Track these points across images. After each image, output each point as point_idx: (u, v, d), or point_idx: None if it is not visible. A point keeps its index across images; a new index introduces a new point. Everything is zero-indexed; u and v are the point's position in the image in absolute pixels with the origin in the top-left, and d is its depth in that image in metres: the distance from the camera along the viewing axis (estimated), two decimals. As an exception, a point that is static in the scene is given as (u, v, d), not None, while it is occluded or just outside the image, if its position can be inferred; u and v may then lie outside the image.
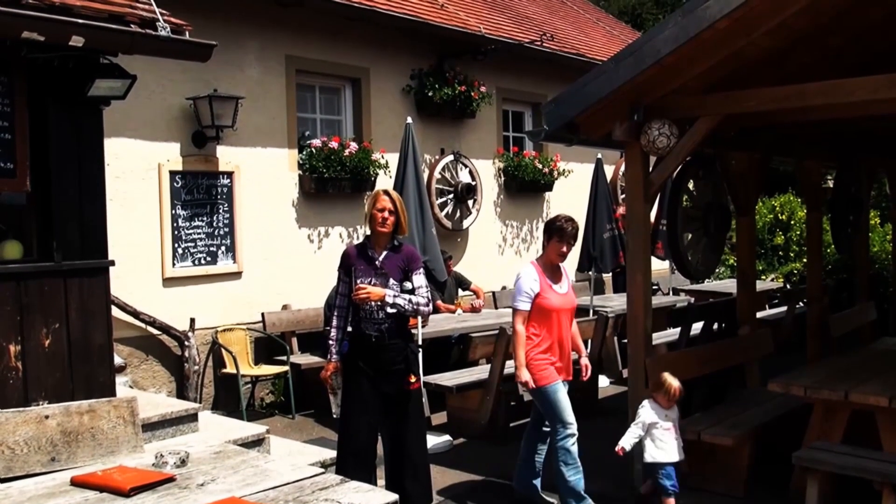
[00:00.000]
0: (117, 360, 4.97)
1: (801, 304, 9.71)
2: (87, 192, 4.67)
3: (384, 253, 4.77)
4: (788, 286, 12.34)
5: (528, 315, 4.99)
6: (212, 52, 4.77)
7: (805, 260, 10.57)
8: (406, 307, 4.69)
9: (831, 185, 10.31)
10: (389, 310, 4.67)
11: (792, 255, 13.49)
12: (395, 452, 4.80)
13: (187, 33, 4.66)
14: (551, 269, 5.16)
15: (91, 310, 4.65)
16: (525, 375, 4.99)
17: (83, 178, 4.66)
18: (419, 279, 4.79)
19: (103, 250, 4.75)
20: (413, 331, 6.93)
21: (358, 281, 4.71)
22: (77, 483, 3.26)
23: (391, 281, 4.70)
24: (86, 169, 4.67)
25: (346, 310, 4.85)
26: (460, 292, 9.05)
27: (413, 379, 4.76)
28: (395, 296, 4.67)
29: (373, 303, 4.65)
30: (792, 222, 13.64)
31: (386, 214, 4.71)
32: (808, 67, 5.64)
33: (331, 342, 4.92)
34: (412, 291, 4.74)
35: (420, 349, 4.98)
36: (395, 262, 4.75)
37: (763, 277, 12.77)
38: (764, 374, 6.49)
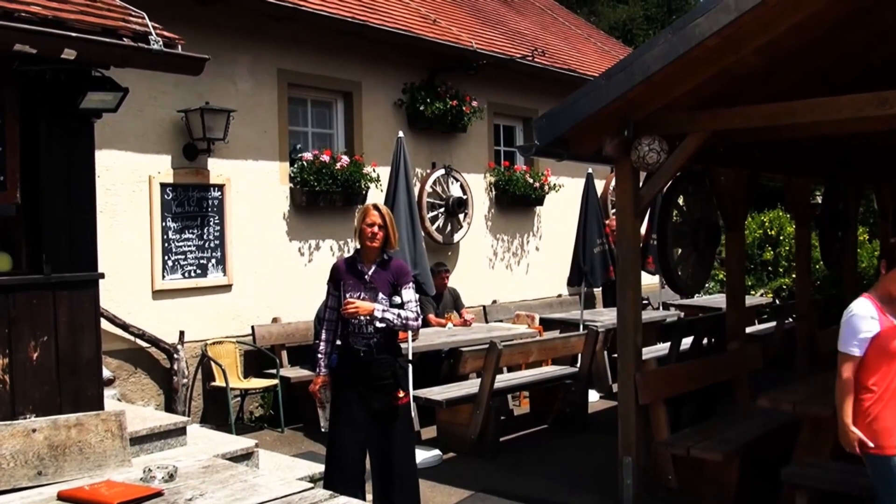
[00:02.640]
0: (106, 373, 4.95)
1: (790, 319, 9.75)
2: (77, 204, 4.67)
3: (373, 267, 4.77)
4: (778, 301, 12.40)
5: (860, 361, 4.00)
6: (204, 66, 4.78)
7: (794, 275, 10.63)
8: (395, 322, 4.68)
9: (820, 202, 10.38)
10: (378, 324, 4.66)
11: (781, 270, 13.56)
12: (383, 467, 4.77)
13: (180, 47, 4.67)
14: (892, 303, 4.01)
15: (80, 323, 4.63)
16: (854, 436, 3.96)
17: (73, 190, 4.65)
18: (409, 293, 4.77)
19: (93, 263, 4.74)
20: (403, 345, 6.94)
21: (347, 295, 4.71)
22: (64, 498, 3.23)
23: (380, 295, 4.70)
24: (76, 181, 4.67)
25: (335, 323, 4.85)
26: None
27: (401, 394, 4.74)
28: (383, 310, 4.66)
29: (361, 317, 4.65)
30: (781, 238, 13.71)
31: (375, 229, 4.71)
32: (797, 85, 5.69)
33: (319, 356, 4.91)
34: (401, 306, 4.73)
35: (410, 363, 4.95)
36: (384, 277, 4.74)
37: (752, 293, 12.82)
38: (753, 389, 6.51)
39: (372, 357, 4.69)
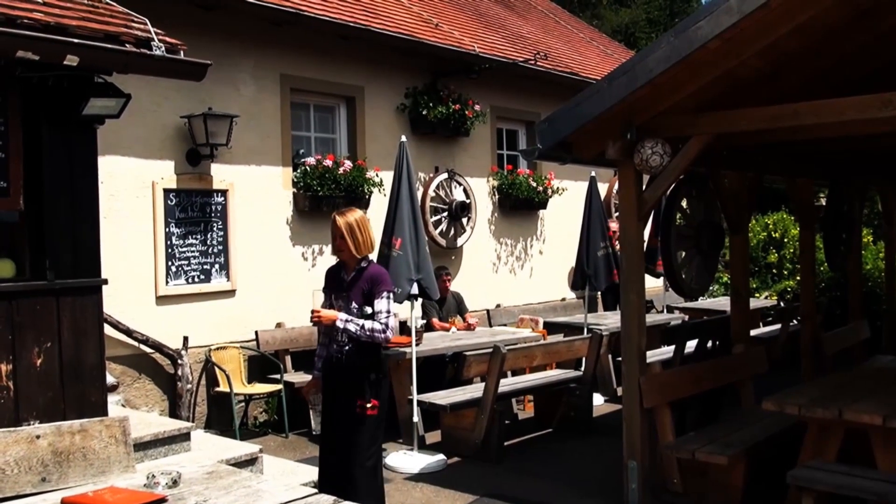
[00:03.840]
0: (110, 379, 4.95)
1: (794, 321, 9.73)
2: (80, 210, 4.67)
3: (352, 274, 4.76)
4: (782, 304, 12.36)
5: None
6: (206, 72, 4.78)
7: (798, 278, 10.60)
8: (357, 333, 4.59)
9: (824, 203, 10.36)
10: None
11: (785, 272, 13.52)
12: (338, 474, 4.65)
13: (182, 53, 4.67)
14: None
15: (83, 329, 4.63)
16: None
17: (77, 196, 4.66)
18: (381, 304, 4.64)
19: (96, 269, 4.74)
20: (406, 349, 6.94)
21: (329, 301, 4.76)
22: (68, 504, 3.24)
23: (353, 304, 4.66)
24: (79, 187, 4.67)
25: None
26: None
27: (368, 405, 4.64)
28: (346, 320, 4.60)
29: (325, 325, 4.65)
30: (785, 240, 13.68)
31: (337, 241, 4.71)
32: (799, 88, 5.69)
33: (315, 359, 4.95)
34: (372, 316, 4.62)
35: (381, 377, 4.77)
36: (359, 285, 4.70)
37: (757, 295, 12.79)
38: (758, 392, 6.49)
39: (342, 364, 4.69)
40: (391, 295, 4.72)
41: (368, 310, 4.65)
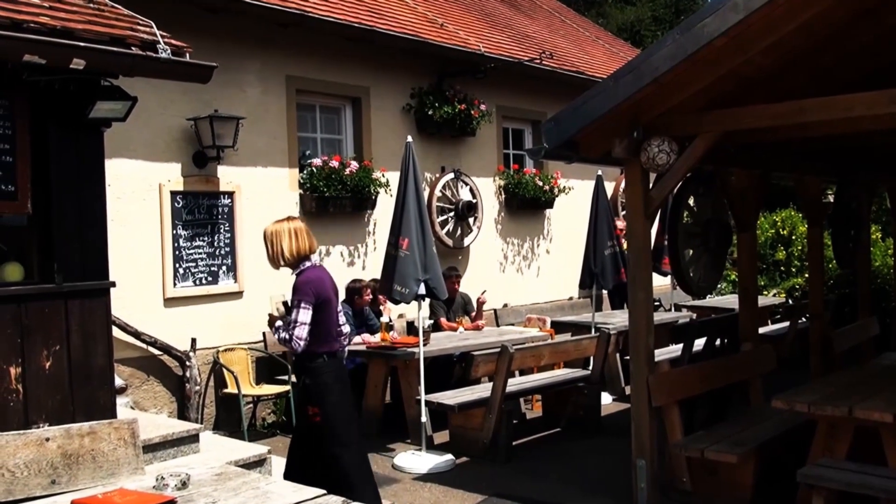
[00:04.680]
0: (118, 382, 4.97)
1: (803, 319, 9.69)
2: (88, 213, 4.68)
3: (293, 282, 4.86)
4: (790, 301, 12.32)
5: None
6: (212, 74, 4.79)
7: (807, 275, 10.56)
8: (275, 339, 4.73)
9: (832, 200, 10.32)
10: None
11: (794, 270, 13.48)
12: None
13: (188, 55, 4.68)
14: None
15: (92, 331, 4.64)
16: None
17: (84, 199, 4.67)
18: (294, 312, 4.66)
19: (104, 271, 4.75)
20: (413, 349, 6.94)
21: None
22: (77, 506, 3.25)
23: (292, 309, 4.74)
24: (87, 190, 4.69)
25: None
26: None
27: (310, 412, 4.70)
28: (276, 327, 4.74)
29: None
30: (793, 237, 13.63)
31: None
32: (805, 85, 5.67)
33: None
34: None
35: (322, 384, 4.76)
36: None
37: (765, 293, 12.75)
38: (767, 390, 6.47)
39: (294, 368, 4.78)
40: (302, 304, 4.65)
41: (289, 318, 4.72)
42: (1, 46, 3.91)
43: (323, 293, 4.70)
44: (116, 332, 6.09)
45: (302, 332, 4.60)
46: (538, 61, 10.33)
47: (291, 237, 4.75)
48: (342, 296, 8.01)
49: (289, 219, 4.90)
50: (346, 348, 5.18)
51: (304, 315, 4.61)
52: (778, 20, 4.67)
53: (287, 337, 4.64)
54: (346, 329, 5.01)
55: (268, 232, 4.81)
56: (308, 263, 4.79)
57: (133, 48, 4.45)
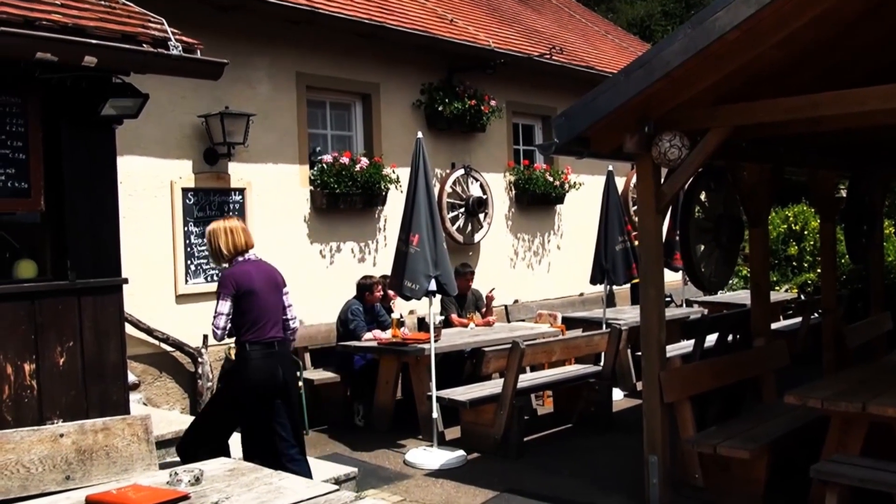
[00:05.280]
0: (131, 378, 5.00)
1: (815, 315, 9.64)
2: (100, 210, 4.71)
3: None
4: (803, 297, 12.25)
5: None
6: (223, 71, 4.80)
7: (819, 270, 10.51)
8: None
9: (844, 195, 10.25)
10: None
11: (806, 265, 13.40)
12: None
13: (199, 52, 4.69)
14: None
15: (105, 328, 4.67)
16: None
17: (96, 196, 4.69)
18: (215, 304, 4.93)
19: (117, 268, 4.77)
20: (424, 345, 6.94)
21: None
22: (92, 502, 3.25)
23: None
24: (99, 187, 4.71)
25: None
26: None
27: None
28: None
29: None
30: (805, 233, 13.56)
31: None
32: (818, 79, 5.62)
33: None
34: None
35: (233, 371, 5.18)
36: None
37: (777, 288, 12.69)
38: (780, 386, 6.44)
39: None
40: (220, 296, 4.90)
41: None
42: (14, 44, 3.93)
43: (245, 285, 4.88)
44: (129, 328, 6.11)
45: (218, 321, 4.87)
46: (548, 56, 10.30)
47: (227, 235, 4.98)
48: (353, 292, 8.05)
49: (226, 218, 5.19)
50: (292, 341, 5.43)
51: (222, 306, 4.88)
52: (790, 14, 4.64)
53: (212, 329, 4.93)
54: (294, 322, 5.28)
55: (207, 231, 5.08)
56: (241, 259, 5.00)
57: (144, 45, 4.46)
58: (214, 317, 4.88)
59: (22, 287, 4.40)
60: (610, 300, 11.34)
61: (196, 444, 4.82)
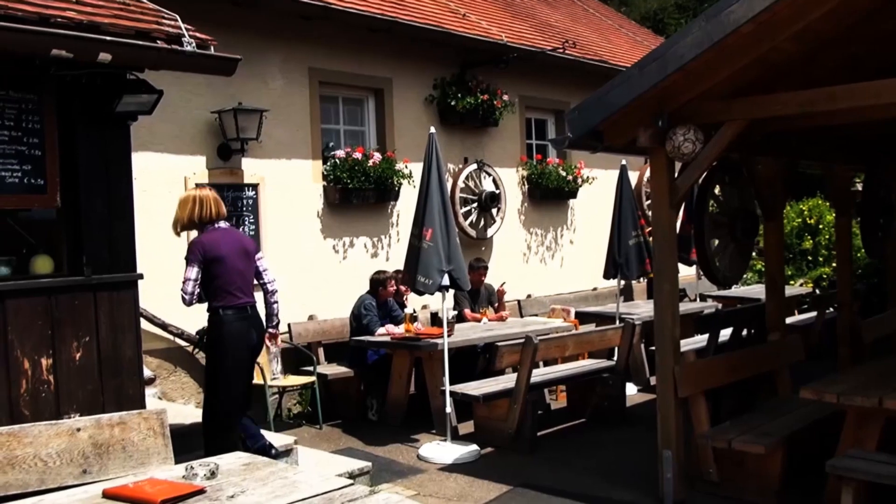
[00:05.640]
0: (146, 373, 5.04)
1: (831, 309, 9.58)
2: (115, 206, 4.73)
3: None
4: (818, 291, 12.19)
5: None
6: (237, 66, 4.81)
7: (834, 264, 10.44)
8: None
9: (860, 189, 10.18)
10: None
11: (821, 259, 13.33)
12: None
13: (212, 48, 4.71)
14: None
15: (120, 323, 4.70)
16: None
17: (112, 192, 4.72)
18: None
19: (132, 264, 4.80)
20: (438, 340, 6.95)
21: None
22: (109, 495, 3.27)
23: None
24: (114, 183, 4.74)
25: None
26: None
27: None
28: None
29: None
30: (820, 226, 13.48)
31: None
32: (832, 72, 5.58)
33: None
34: None
35: (211, 335, 5.28)
36: None
37: (792, 283, 12.63)
38: (795, 381, 6.41)
39: None
40: (188, 263, 5.12)
41: None
42: (29, 41, 3.96)
43: (212, 251, 5.03)
44: (144, 323, 6.14)
45: (186, 287, 5.08)
46: (561, 51, 10.27)
47: (195, 204, 5.13)
48: (365, 287, 8.06)
49: (198, 188, 5.33)
50: (274, 304, 5.52)
51: (189, 272, 5.08)
52: (805, 6, 4.61)
53: (181, 291, 5.08)
54: (273, 285, 5.43)
55: (178, 199, 5.22)
56: (210, 227, 5.13)
57: (158, 42, 4.48)
58: (183, 283, 5.04)
59: (39, 282, 4.43)
60: (628, 294, 11.32)
61: (218, 426, 5.00)
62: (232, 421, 5.08)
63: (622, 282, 9.50)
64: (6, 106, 4.33)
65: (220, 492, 3.24)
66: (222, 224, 5.19)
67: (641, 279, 10.55)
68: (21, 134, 4.38)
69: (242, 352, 5.09)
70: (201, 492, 3.24)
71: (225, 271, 5.04)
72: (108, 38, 4.22)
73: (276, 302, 5.48)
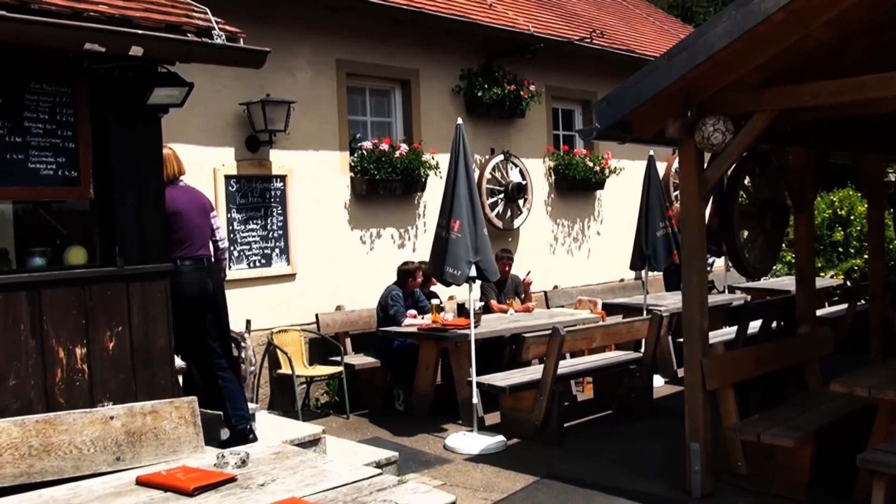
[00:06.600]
0: (177, 362, 5.09)
1: (862, 301, 9.47)
2: (147, 198, 4.78)
3: None
4: (849, 283, 12.04)
5: None
6: (265, 59, 4.84)
7: (866, 256, 10.31)
8: None
9: (892, 179, 10.04)
10: None
11: (852, 251, 13.16)
12: None
13: (241, 41, 4.73)
14: None
15: (152, 313, 4.76)
16: None
17: (143, 184, 4.77)
18: None
19: (163, 255, 4.86)
20: (465, 331, 6.96)
21: None
22: (142, 482, 3.34)
23: None
24: (146, 176, 4.78)
25: None
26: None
27: None
28: None
29: None
30: (852, 217, 13.31)
31: None
32: (864, 61, 5.50)
33: None
34: None
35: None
36: None
37: (822, 275, 12.49)
38: (825, 374, 6.35)
39: None
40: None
41: None
42: (63, 35, 4.01)
43: (172, 206, 5.09)
44: (174, 313, 6.22)
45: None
46: (588, 40, 10.20)
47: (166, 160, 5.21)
48: (392, 278, 8.10)
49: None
50: (226, 260, 5.71)
51: None
52: (839, -6, 4.55)
53: None
54: (223, 243, 5.56)
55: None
56: (171, 185, 5.21)
57: (189, 35, 4.51)
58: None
59: (73, 273, 4.50)
60: (665, 285, 11.23)
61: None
62: (196, 366, 5.30)
63: (649, 273, 9.43)
64: (41, 99, 4.39)
65: (251, 480, 3.29)
66: (182, 182, 5.36)
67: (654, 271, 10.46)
68: (55, 127, 4.44)
69: (197, 302, 5.19)
70: (232, 480, 3.29)
71: (184, 225, 5.17)
72: (140, 31, 4.26)
73: (226, 259, 5.70)
